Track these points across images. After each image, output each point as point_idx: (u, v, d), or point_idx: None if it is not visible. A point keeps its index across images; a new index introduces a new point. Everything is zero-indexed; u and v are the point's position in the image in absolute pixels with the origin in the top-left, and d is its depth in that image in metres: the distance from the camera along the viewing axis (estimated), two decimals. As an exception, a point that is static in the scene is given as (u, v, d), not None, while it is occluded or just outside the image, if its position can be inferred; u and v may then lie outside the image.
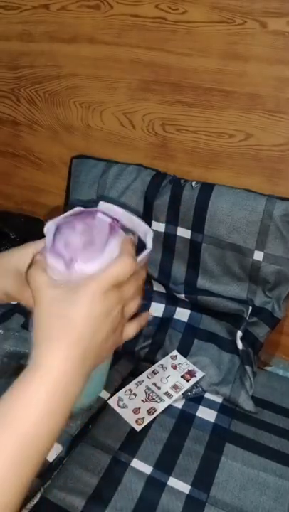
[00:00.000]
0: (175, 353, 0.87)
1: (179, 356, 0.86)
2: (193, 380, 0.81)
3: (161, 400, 0.75)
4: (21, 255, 0.48)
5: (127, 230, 0.46)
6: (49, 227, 0.43)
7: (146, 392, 0.77)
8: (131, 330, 0.44)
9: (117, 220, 0.45)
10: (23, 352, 0.84)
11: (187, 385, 0.79)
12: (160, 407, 0.74)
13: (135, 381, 0.79)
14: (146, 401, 0.75)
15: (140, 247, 0.45)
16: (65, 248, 0.40)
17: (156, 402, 0.75)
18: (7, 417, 0.35)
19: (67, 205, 1.05)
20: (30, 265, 0.41)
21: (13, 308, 0.97)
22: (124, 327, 0.44)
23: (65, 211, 0.93)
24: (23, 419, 0.35)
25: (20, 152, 1.19)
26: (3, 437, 0.34)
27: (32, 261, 0.42)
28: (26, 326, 0.90)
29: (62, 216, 0.45)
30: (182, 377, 0.81)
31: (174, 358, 0.86)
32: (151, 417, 0.72)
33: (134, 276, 0.41)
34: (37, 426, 0.35)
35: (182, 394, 0.79)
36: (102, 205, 0.47)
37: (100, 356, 0.40)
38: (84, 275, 0.39)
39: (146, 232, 0.46)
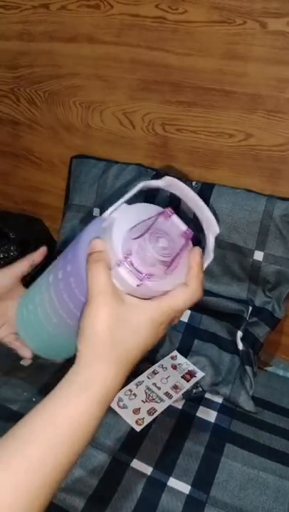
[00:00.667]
0: (175, 353, 0.87)
1: (179, 356, 0.86)
2: (193, 380, 0.81)
3: (162, 400, 0.75)
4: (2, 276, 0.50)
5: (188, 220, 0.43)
6: (114, 218, 0.39)
7: (146, 393, 0.77)
8: None
9: (193, 231, 0.41)
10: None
11: (187, 386, 0.79)
12: (160, 407, 0.74)
13: (135, 381, 0.79)
14: (146, 401, 0.75)
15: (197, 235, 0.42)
16: (142, 262, 0.37)
17: (157, 402, 0.75)
18: (47, 422, 0.36)
19: (67, 205, 1.05)
20: (90, 258, 0.38)
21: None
22: None
23: (65, 211, 0.95)
24: (61, 423, 0.36)
25: (20, 152, 1.19)
26: (42, 438, 0.35)
27: (94, 254, 0.38)
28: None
29: (124, 200, 0.41)
30: (182, 377, 0.81)
31: (174, 358, 0.86)
32: (152, 418, 0.72)
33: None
34: (74, 430, 0.36)
35: (182, 394, 0.78)
36: (168, 178, 0.42)
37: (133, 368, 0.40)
38: (151, 291, 0.37)
39: (211, 226, 0.42)
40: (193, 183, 0.91)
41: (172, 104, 0.95)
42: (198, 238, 0.42)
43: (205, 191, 0.89)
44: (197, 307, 0.94)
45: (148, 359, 0.87)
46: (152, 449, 0.68)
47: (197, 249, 0.41)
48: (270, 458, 0.69)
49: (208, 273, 0.92)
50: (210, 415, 0.76)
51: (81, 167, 1.04)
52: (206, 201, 0.88)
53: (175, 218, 0.41)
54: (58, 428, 0.36)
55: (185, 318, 0.95)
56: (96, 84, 1.01)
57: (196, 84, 0.91)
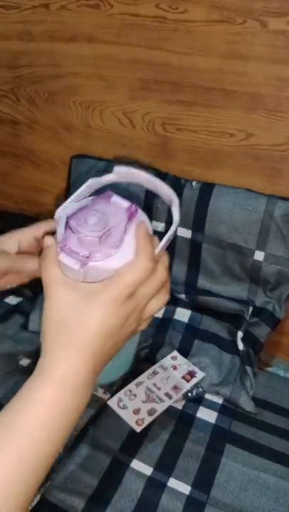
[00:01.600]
0: (175, 353, 0.87)
1: (179, 357, 0.86)
2: (193, 381, 0.81)
3: (162, 400, 0.75)
4: (7, 239, 0.48)
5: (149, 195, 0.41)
6: (60, 216, 0.40)
7: (146, 393, 0.77)
8: (143, 326, 0.43)
9: (136, 206, 0.41)
10: (19, 353, 0.84)
11: (187, 386, 0.79)
12: (160, 407, 0.74)
13: (135, 382, 0.79)
14: (146, 402, 0.75)
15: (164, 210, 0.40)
16: (79, 245, 0.38)
17: (157, 402, 0.75)
18: (14, 421, 0.35)
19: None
20: (42, 255, 0.39)
21: (13, 308, 0.97)
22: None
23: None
24: (29, 424, 0.35)
25: (20, 152, 1.19)
26: (10, 442, 0.34)
27: (44, 251, 0.39)
28: (26, 326, 0.90)
29: (72, 198, 0.41)
30: (182, 377, 0.81)
31: (174, 358, 0.85)
32: (152, 418, 0.72)
33: (153, 273, 0.39)
34: (42, 430, 0.35)
35: (182, 395, 0.78)
36: (118, 169, 0.43)
37: (107, 361, 0.39)
38: (100, 271, 0.37)
39: (172, 201, 0.42)
40: (194, 183, 0.91)
41: (172, 103, 0.95)
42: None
43: (205, 191, 0.89)
44: (197, 307, 0.94)
45: (148, 359, 0.87)
46: (152, 449, 0.68)
47: (141, 224, 0.40)
48: (270, 459, 0.69)
49: (208, 273, 0.92)
50: (210, 416, 0.76)
51: (81, 167, 1.04)
52: (207, 201, 0.88)
53: (117, 199, 0.41)
54: (23, 427, 0.35)
55: (185, 318, 0.95)
56: (96, 84, 1.01)
57: (196, 83, 0.91)
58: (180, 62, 0.90)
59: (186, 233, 0.92)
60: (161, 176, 0.96)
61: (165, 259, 0.43)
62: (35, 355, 0.84)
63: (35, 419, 0.35)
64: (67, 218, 0.39)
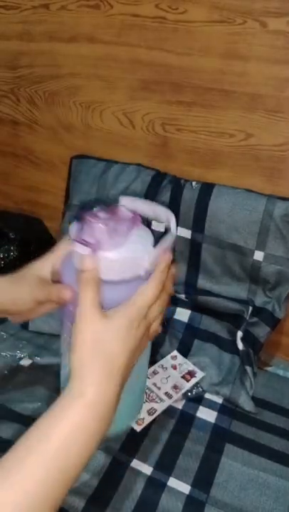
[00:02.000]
0: (175, 353, 0.87)
1: (179, 356, 0.86)
2: (193, 381, 0.81)
3: (162, 400, 0.75)
4: (43, 263, 0.52)
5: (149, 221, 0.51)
6: (74, 225, 0.47)
7: (146, 393, 0.77)
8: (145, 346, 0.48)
9: (140, 216, 0.49)
10: (19, 354, 0.84)
11: (187, 386, 0.79)
12: (160, 407, 0.74)
13: (135, 381, 0.79)
14: (146, 401, 0.75)
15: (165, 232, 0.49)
16: (91, 237, 0.44)
17: (157, 402, 0.75)
18: (42, 438, 0.37)
19: (67, 205, 1.05)
20: (81, 279, 0.43)
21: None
22: None
23: (64, 211, 0.99)
24: (58, 441, 0.36)
25: (20, 152, 1.19)
26: (38, 457, 0.36)
27: (84, 275, 0.43)
28: (26, 326, 0.90)
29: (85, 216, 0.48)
30: (182, 377, 0.81)
31: (174, 358, 0.86)
32: (152, 418, 0.72)
33: (160, 296, 0.45)
34: (70, 444, 0.37)
35: (182, 394, 0.78)
36: (123, 199, 0.50)
37: (127, 377, 0.43)
38: (107, 263, 0.43)
39: (169, 218, 0.49)
40: (193, 183, 0.91)
41: (172, 104, 0.95)
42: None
43: (205, 191, 0.89)
44: (197, 307, 0.94)
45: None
46: (152, 449, 0.68)
47: (166, 255, 0.47)
48: (270, 458, 0.69)
49: (208, 273, 0.92)
50: (210, 415, 0.76)
51: (81, 167, 1.04)
52: (206, 201, 0.88)
53: (123, 208, 0.49)
54: (52, 442, 0.36)
55: (185, 318, 0.95)
56: (96, 84, 1.01)
57: (196, 84, 0.91)
58: (180, 62, 0.91)
59: (185, 233, 0.92)
60: (161, 176, 0.96)
61: (169, 284, 0.48)
62: (36, 355, 0.84)
63: (64, 439, 0.37)
64: (82, 215, 0.46)
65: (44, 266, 0.52)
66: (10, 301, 0.50)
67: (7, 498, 0.34)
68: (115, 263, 0.44)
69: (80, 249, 0.44)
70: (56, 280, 0.51)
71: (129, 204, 0.50)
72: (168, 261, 0.47)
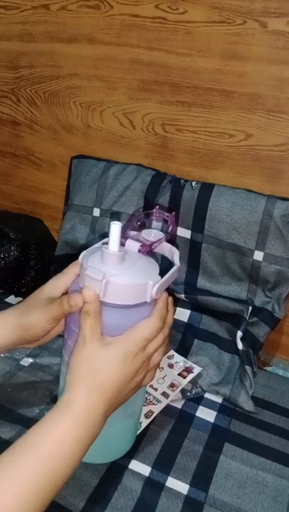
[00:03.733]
0: (172, 352, 0.87)
1: (176, 355, 0.86)
2: (190, 376, 0.80)
3: (159, 401, 0.75)
4: (53, 285, 0.53)
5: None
6: (84, 256, 0.51)
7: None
8: (148, 379, 0.52)
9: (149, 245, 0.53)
10: (18, 356, 0.84)
11: (184, 382, 0.79)
12: (157, 408, 0.74)
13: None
14: (144, 405, 0.75)
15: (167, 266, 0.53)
16: (101, 264, 0.48)
17: (154, 404, 0.75)
18: (34, 443, 0.40)
19: (67, 205, 1.05)
20: (84, 308, 0.46)
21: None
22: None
23: (65, 211, 1.00)
24: (48, 448, 0.40)
25: (20, 152, 1.20)
26: (29, 461, 0.39)
27: (86, 304, 0.46)
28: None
29: (93, 246, 0.53)
30: (179, 374, 0.81)
31: (170, 357, 0.85)
32: (149, 420, 0.72)
33: (161, 331, 0.49)
34: (59, 455, 0.40)
35: (182, 394, 0.78)
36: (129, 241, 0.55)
37: (120, 404, 0.47)
38: (115, 286, 0.46)
39: (174, 252, 0.55)
40: (193, 183, 0.91)
41: (172, 104, 0.95)
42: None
43: (205, 191, 0.89)
44: (197, 307, 0.94)
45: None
46: (151, 448, 0.68)
47: (165, 295, 0.51)
48: (269, 458, 0.69)
49: (208, 273, 0.93)
50: (209, 415, 0.76)
51: (81, 167, 1.05)
52: (206, 201, 0.88)
53: (130, 241, 0.53)
54: (42, 451, 0.39)
55: (185, 318, 0.95)
56: (96, 84, 1.02)
57: (195, 84, 0.91)
58: (180, 62, 0.91)
59: (185, 233, 0.92)
60: (161, 176, 0.96)
61: (170, 319, 0.51)
62: (36, 355, 0.84)
63: (54, 445, 0.40)
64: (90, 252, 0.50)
65: (54, 288, 0.54)
66: (23, 330, 0.52)
67: None
68: (123, 288, 0.47)
69: (93, 273, 0.46)
70: None
71: (135, 239, 0.54)
72: (168, 297, 0.51)
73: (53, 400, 0.74)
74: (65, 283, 0.53)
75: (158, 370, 0.82)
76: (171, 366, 0.83)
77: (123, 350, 0.45)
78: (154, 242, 0.54)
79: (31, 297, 0.54)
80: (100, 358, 0.44)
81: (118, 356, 0.44)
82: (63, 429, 0.41)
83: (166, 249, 0.55)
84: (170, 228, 0.52)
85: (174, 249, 0.55)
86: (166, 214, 0.56)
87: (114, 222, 0.49)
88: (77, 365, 0.45)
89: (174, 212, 0.55)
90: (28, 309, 0.52)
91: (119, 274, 0.47)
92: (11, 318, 0.52)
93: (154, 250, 0.55)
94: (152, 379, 0.53)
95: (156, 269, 0.52)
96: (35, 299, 0.54)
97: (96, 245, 0.54)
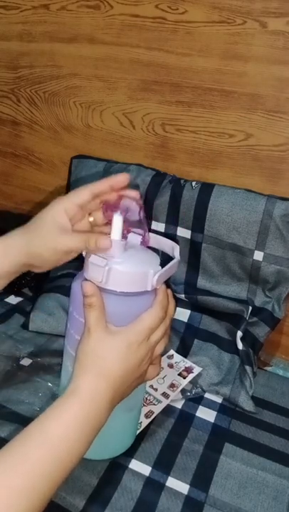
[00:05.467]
0: (171, 352, 0.87)
1: (176, 355, 0.86)
2: (190, 376, 0.80)
3: (159, 401, 0.75)
4: (55, 211, 0.51)
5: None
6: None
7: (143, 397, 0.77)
8: (153, 372, 0.52)
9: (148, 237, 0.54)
10: (18, 354, 0.84)
11: (184, 382, 0.79)
12: (157, 409, 0.74)
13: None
14: (143, 405, 0.75)
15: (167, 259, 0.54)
16: (105, 254, 0.48)
17: (154, 404, 0.75)
18: (43, 431, 0.40)
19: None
20: (87, 300, 0.47)
21: (13, 308, 0.97)
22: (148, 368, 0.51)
23: None
24: (56, 432, 0.40)
25: (21, 152, 1.20)
26: (38, 445, 0.39)
27: (88, 299, 0.47)
28: (26, 326, 0.90)
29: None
30: (179, 374, 0.81)
31: (170, 357, 0.85)
32: (149, 420, 0.72)
33: (163, 321, 0.49)
34: (67, 439, 0.40)
35: (182, 394, 0.78)
36: (132, 235, 0.55)
37: (125, 395, 0.47)
38: (117, 274, 0.48)
39: (174, 247, 0.56)
40: (193, 183, 0.91)
41: (172, 104, 0.95)
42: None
43: (205, 191, 0.89)
44: (197, 307, 0.94)
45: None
46: (151, 448, 0.68)
47: (163, 286, 0.51)
48: (269, 457, 0.69)
49: (208, 273, 0.93)
50: (209, 415, 0.76)
51: (81, 167, 1.05)
52: (206, 201, 0.88)
53: (132, 234, 0.54)
54: (50, 435, 0.40)
55: (185, 318, 0.95)
56: (96, 84, 1.02)
57: (195, 84, 0.91)
58: (180, 62, 0.91)
59: (185, 233, 0.92)
60: (161, 176, 0.96)
61: (171, 310, 0.52)
62: (36, 355, 0.84)
63: (62, 430, 0.40)
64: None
65: (56, 213, 0.50)
66: (31, 255, 0.49)
67: (8, 481, 0.36)
68: (125, 275, 0.48)
69: (96, 260, 0.47)
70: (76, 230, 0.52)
71: (135, 236, 0.55)
72: (165, 287, 0.51)
73: (53, 399, 0.74)
74: (64, 208, 0.51)
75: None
76: (171, 366, 0.83)
77: (127, 339, 0.46)
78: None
79: (34, 223, 0.51)
80: (105, 347, 0.45)
81: (122, 345, 0.45)
82: (71, 414, 0.41)
83: (167, 245, 0.57)
84: (140, 213, 0.52)
85: (175, 244, 0.56)
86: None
87: (117, 212, 0.50)
88: (83, 355, 0.45)
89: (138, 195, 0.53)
90: (36, 235, 0.49)
91: (121, 262, 0.48)
92: (18, 241, 0.49)
93: (156, 247, 0.56)
94: (157, 374, 0.54)
95: (157, 260, 0.53)
96: (40, 224, 0.50)
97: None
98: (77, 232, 0.50)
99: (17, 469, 0.36)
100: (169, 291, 0.52)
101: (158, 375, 0.54)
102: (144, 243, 0.54)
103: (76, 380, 0.44)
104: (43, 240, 0.49)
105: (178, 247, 0.55)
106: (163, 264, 0.52)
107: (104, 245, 0.47)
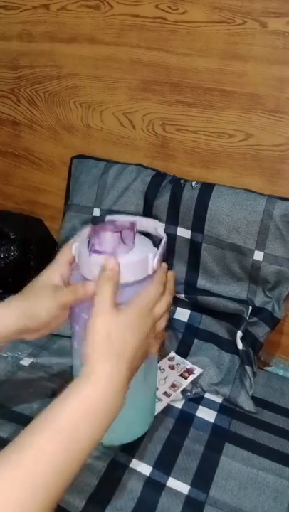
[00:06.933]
0: (172, 354, 0.87)
1: (177, 357, 0.86)
2: (191, 377, 0.81)
3: (160, 400, 0.75)
4: (49, 273, 0.54)
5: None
6: (81, 236, 0.53)
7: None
8: (156, 345, 0.53)
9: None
10: (20, 352, 0.84)
11: (186, 383, 0.79)
12: (159, 407, 0.74)
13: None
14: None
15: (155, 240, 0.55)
16: (103, 247, 0.49)
17: (155, 403, 0.75)
18: (56, 414, 0.39)
19: (67, 205, 1.05)
20: (100, 278, 0.48)
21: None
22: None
23: (65, 211, 1.00)
24: (69, 419, 0.39)
25: (20, 152, 1.20)
26: (52, 433, 0.37)
27: (102, 276, 0.48)
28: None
29: (79, 234, 0.54)
30: (180, 375, 0.81)
31: (171, 359, 0.86)
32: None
33: (163, 296, 0.51)
34: (81, 422, 0.39)
35: (182, 394, 0.78)
36: (109, 217, 0.56)
37: (136, 368, 0.47)
38: (122, 266, 0.48)
39: (157, 226, 0.56)
40: (193, 183, 0.91)
41: (172, 104, 0.95)
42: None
43: (205, 191, 0.89)
44: (197, 307, 0.94)
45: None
46: (151, 448, 0.68)
47: (163, 266, 0.53)
48: (269, 458, 0.69)
49: (208, 273, 0.93)
50: (209, 415, 0.76)
51: (81, 167, 1.04)
52: (206, 201, 0.88)
53: (119, 221, 0.54)
54: (62, 421, 0.38)
55: (185, 318, 0.95)
56: (96, 84, 1.02)
57: (195, 84, 0.91)
58: (180, 62, 0.91)
59: (185, 233, 0.92)
60: (161, 176, 0.96)
61: (171, 285, 0.53)
62: (36, 354, 0.84)
63: (79, 413, 0.39)
64: (92, 228, 0.51)
65: (52, 275, 0.54)
66: (28, 318, 0.51)
67: (18, 475, 0.34)
68: (129, 266, 0.49)
69: (98, 259, 0.48)
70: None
71: (117, 219, 0.56)
72: (164, 265, 0.53)
73: (53, 399, 0.74)
74: (61, 271, 0.55)
75: (159, 371, 0.82)
76: (172, 368, 0.83)
77: (136, 311, 0.46)
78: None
79: (29, 288, 0.54)
80: (116, 323, 0.45)
81: (133, 319, 0.46)
82: (85, 398, 0.40)
83: (150, 226, 0.57)
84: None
85: (158, 222, 0.57)
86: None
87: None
88: (92, 336, 0.44)
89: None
90: (33, 296, 0.52)
91: (123, 253, 0.50)
92: (14, 306, 0.51)
93: (140, 229, 0.57)
94: (158, 349, 0.54)
95: (150, 242, 0.54)
96: (36, 287, 0.53)
97: (81, 235, 0.55)
98: (66, 286, 0.54)
99: (34, 458, 0.35)
100: (165, 267, 0.53)
101: (158, 349, 0.54)
102: (133, 228, 0.54)
103: (89, 365, 0.42)
104: (40, 301, 0.52)
105: (162, 225, 0.56)
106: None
107: (90, 290, 0.49)
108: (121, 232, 0.50)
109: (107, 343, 0.43)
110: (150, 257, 0.51)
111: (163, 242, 0.53)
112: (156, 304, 0.49)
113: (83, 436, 0.39)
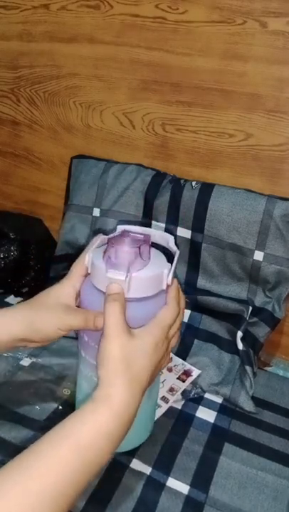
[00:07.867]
0: (170, 355, 0.86)
1: (175, 358, 0.86)
2: (189, 380, 0.80)
3: (158, 406, 0.75)
4: (61, 289, 0.53)
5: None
6: (91, 255, 0.52)
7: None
8: (167, 362, 0.53)
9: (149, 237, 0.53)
10: (20, 352, 0.84)
11: (184, 386, 0.79)
12: (158, 413, 0.74)
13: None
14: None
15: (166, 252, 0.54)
16: (120, 263, 0.49)
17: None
18: (71, 434, 0.39)
19: (67, 205, 1.05)
20: (108, 300, 0.47)
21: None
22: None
23: (65, 211, 0.99)
24: (85, 434, 0.39)
25: (20, 152, 1.19)
26: (65, 450, 0.38)
27: (110, 297, 0.47)
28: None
29: (92, 246, 0.54)
30: (178, 378, 0.81)
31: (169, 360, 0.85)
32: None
33: (178, 316, 0.50)
34: (96, 442, 0.39)
35: (182, 395, 0.78)
36: (121, 227, 0.55)
37: (146, 390, 0.47)
38: (139, 281, 0.48)
39: (168, 240, 0.56)
40: (193, 183, 0.91)
41: (172, 104, 0.95)
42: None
43: (205, 191, 0.89)
44: (197, 307, 0.94)
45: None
46: (151, 449, 0.68)
47: (175, 282, 0.52)
48: (269, 458, 0.69)
49: (208, 273, 0.93)
50: (209, 415, 0.76)
51: (81, 167, 1.04)
52: (206, 201, 0.88)
53: (133, 234, 0.53)
54: (79, 440, 0.38)
55: (185, 318, 0.95)
56: (96, 84, 1.02)
57: (196, 84, 0.91)
58: (180, 62, 0.91)
59: (185, 233, 0.92)
60: (161, 176, 0.96)
61: (183, 303, 0.53)
62: (36, 355, 0.84)
63: (92, 435, 0.39)
64: (108, 243, 0.51)
65: (63, 292, 0.53)
66: (33, 331, 0.51)
67: (25, 491, 0.35)
68: (145, 281, 0.49)
69: (116, 274, 0.48)
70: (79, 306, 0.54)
71: (130, 229, 0.55)
72: (176, 281, 0.52)
73: (54, 399, 0.74)
74: (73, 286, 0.53)
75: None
76: (170, 369, 0.83)
77: (154, 338, 0.46)
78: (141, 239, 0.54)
79: (38, 299, 0.53)
80: (133, 349, 0.45)
81: (150, 345, 0.46)
82: (101, 421, 0.40)
83: (162, 238, 0.57)
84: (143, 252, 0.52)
85: (168, 235, 0.56)
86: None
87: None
88: (108, 360, 0.44)
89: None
90: (43, 311, 0.51)
91: (139, 268, 0.49)
92: (20, 315, 0.51)
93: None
94: (168, 362, 0.55)
95: (163, 256, 0.54)
96: (45, 301, 0.52)
97: (93, 244, 0.54)
98: (78, 310, 0.53)
99: (43, 476, 0.36)
100: (177, 282, 0.53)
101: (169, 363, 0.55)
102: (148, 241, 0.54)
103: (106, 387, 0.42)
104: (48, 317, 0.51)
105: (172, 237, 0.56)
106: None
107: (101, 325, 0.48)
108: (139, 248, 0.49)
109: (125, 369, 0.43)
110: (165, 272, 0.50)
111: (176, 256, 0.53)
112: (172, 326, 0.49)
113: (101, 452, 0.40)
